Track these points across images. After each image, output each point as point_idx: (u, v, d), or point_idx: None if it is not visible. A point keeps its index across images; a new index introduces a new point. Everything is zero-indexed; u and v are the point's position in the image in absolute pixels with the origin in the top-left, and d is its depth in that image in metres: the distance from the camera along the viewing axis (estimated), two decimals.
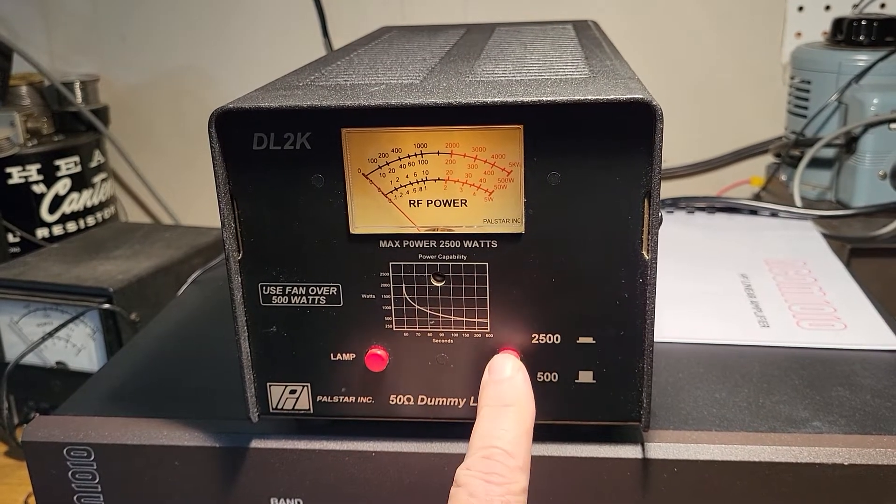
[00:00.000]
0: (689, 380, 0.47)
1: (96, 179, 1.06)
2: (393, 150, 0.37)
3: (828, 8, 1.02)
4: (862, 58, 0.83)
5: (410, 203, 0.37)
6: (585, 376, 0.39)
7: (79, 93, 1.09)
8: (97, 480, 0.43)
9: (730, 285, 0.59)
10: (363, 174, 0.37)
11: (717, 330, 0.52)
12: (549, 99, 0.34)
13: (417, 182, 0.37)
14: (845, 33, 0.86)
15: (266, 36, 1.12)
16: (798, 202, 0.81)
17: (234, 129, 0.36)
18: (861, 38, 0.85)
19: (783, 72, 1.05)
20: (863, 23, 0.84)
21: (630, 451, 0.40)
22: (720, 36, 1.05)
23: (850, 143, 0.81)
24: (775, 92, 1.05)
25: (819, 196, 0.86)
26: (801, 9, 1.03)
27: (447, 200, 0.37)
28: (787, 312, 0.54)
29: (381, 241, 0.38)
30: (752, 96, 1.07)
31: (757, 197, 0.92)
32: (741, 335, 0.51)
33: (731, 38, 1.05)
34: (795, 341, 0.50)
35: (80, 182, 1.03)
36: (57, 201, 1.01)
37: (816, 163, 0.85)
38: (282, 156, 0.37)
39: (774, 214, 0.75)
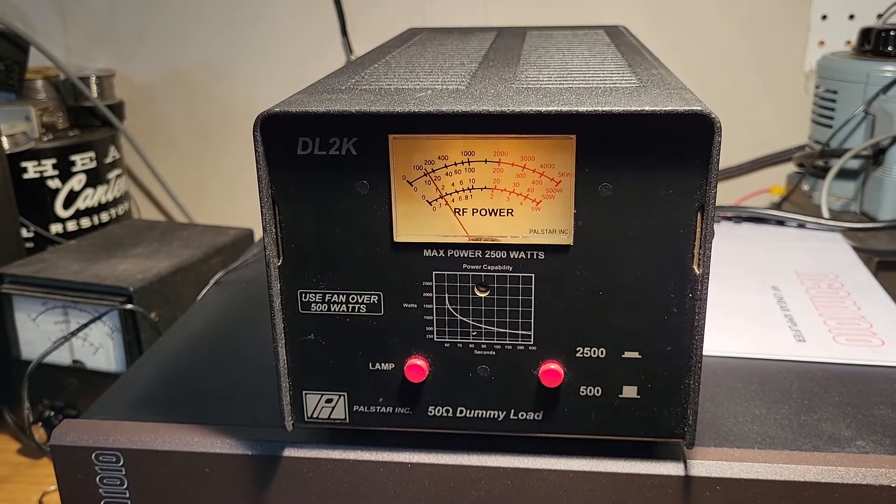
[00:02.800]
0: (727, 395, 0.46)
1: (111, 175, 1.05)
2: (439, 158, 0.36)
3: (852, 17, 1.02)
4: (890, 68, 0.82)
5: (456, 211, 0.37)
6: (630, 391, 0.38)
7: (94, 88, 1.08)
8: (125, 486, 0.42)
9: (762, 298, 0.58)
10: (408, 181, 0.36)
11: (751, 344, 0.51)
12: (605, 109, 0.33)
13: (463, 190, 0.36)
14: (873, 44, 0.85)
15: (283, 34, 1.11)
16: (826, 213, 0.80)
17: (279, 133, 0.36)
18: (889, 48, 0.84)
19: (805, 80, 1.05)
20: (892, 33, 0.83)
21: (672, 469, 0.39)
22: (743, 43, 1.05)
23: (877, 155, 0.80)
24: (797, 100, 1.05)
25: (843, 207, 0.85)
26: (824, 17, 1.02)
27: (493, 210, 0.36)
28: (823, 327, 0.53)
29: (424, 250, 0.37)
30: (773, 104, 1.06)
31: (777, 206, 0.91)
32: (777, 349, 0.51)
33: (753, 46, 1.04)
34: (833, 357, 0.49)
35: (95, 178, 1.03)
36: (72, 197, 1.00)
37: (841, 174, 0.84)
38: (326, 161, 0.36)
39: (802, 225, 0.75)
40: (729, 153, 1.07)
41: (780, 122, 1.06)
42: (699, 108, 0.33)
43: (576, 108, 0.34)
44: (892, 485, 0.38)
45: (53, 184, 0.99)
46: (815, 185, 0.89)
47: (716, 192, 0.34)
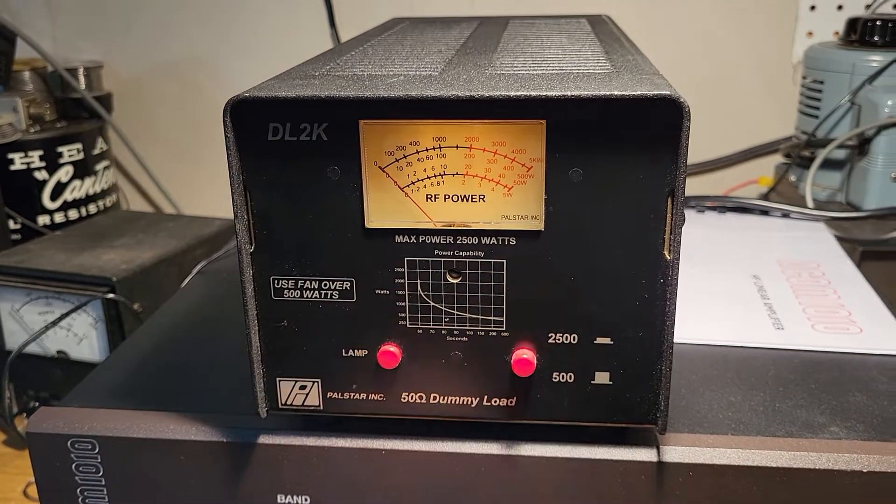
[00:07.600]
0: (703, 382, 0.46)
1: (99, 167, 1.05)
2: (411, 143, 0.36)
3: (840, 7, 1.01)
4: (876, 58, 0.82)
5: (427, 198, 0.37)
6: (602, 377, 0.38)
7: (82, 79, 1.08)
8: (101, 474, 0.42)
9: (742, 286, 0.59)
10: (380, 167, 0.36)
11: (730, 331, 0.51)
12: (574, 93, 0.33)
13: (435, 176, 0.36)
14: (859, 33, 0.85)
15: (272, 25, 1.11)
16: (810, 203, 0.80)
17: (249, 119, 0.36)
18: (875, 38, 0.84)
19: (794, 71, 1.04)
20: (877, 23, 0.83)
21: (645, 455, 0.39)
22: (731, 34, 1.04)
23: (862, 145, 0.81)
24: (785, 91, 1.05)
25: (829, 197, 0.86)
26: (812, 8, 1.02)
27: (465, 196, 0.36)
28: (802, 315, 0.53)
29: (396, 236, 0.37)
30: (761, 95, 1.06)
31: (765, 197, 0.91)
32: (755, 337, 0.51)
33: (741, 37, 1.04)
34: (811, 345, 0.50)
35: (83, 169, 1.02)
36: (59, 188, 1.00)
37: (827, 164, 0.84)
38: (297, 147, 0.36)
39: (786, 215, 0.75)
40: (717, 144, 1.07)
41: (769, 114, 1.06)
42: (668, 93, 0.33)
43: (545, 93, 0.34)
44: (864, 470, 0.38)
45: (40, 175, 0.98)
46: (801, 175, 0.89)
47: (685, 178, 0.34)
